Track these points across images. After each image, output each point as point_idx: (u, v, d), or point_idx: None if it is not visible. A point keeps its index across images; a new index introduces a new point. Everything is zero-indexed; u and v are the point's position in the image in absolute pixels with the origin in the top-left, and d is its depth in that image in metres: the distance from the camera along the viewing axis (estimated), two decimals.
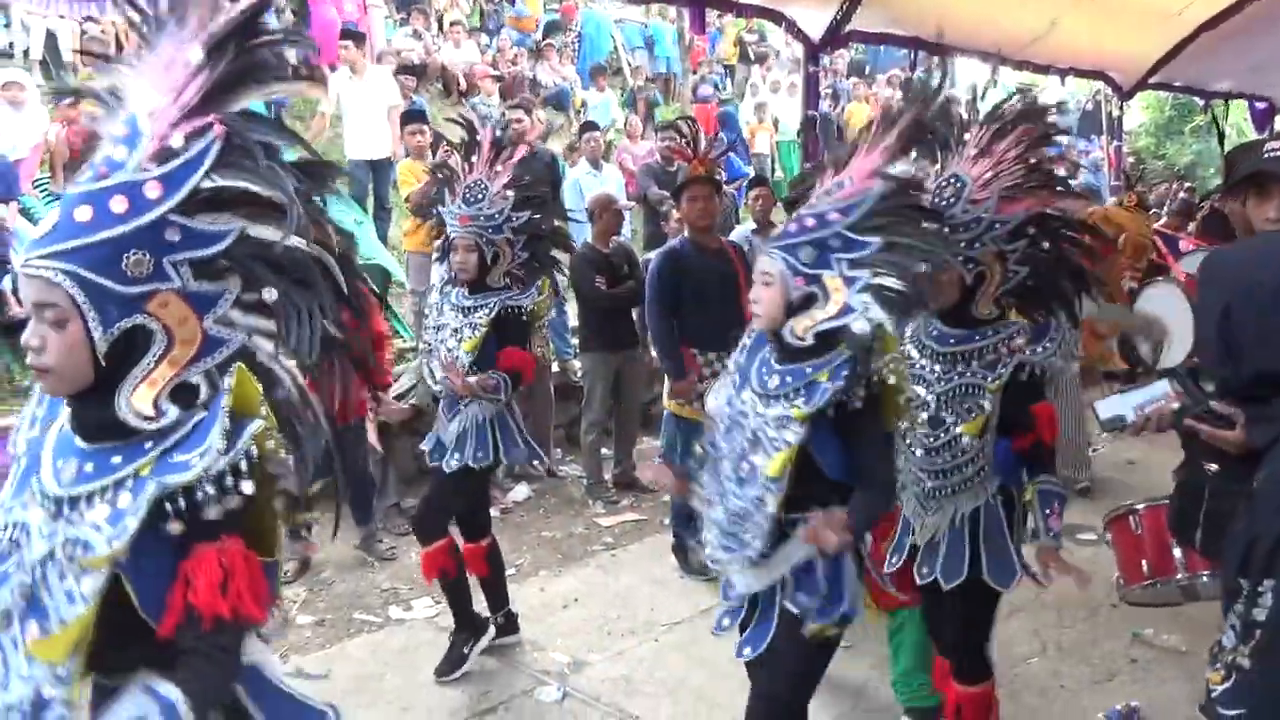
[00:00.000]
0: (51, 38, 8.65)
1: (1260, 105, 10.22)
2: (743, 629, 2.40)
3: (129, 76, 1.37)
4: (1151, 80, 8.98)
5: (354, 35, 8.29)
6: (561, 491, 6.12)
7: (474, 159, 3.57)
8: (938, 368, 2.63)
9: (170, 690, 1.34)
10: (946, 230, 2.34)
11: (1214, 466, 2.20)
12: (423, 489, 5.71)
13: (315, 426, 1.41)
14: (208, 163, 1.34)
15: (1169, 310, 6.14)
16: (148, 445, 1.35)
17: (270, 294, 1.38)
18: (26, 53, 8.60)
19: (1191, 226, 8.59)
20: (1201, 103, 11.36)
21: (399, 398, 5.62)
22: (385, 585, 4.69)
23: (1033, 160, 2.55)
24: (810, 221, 2.14)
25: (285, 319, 1.39)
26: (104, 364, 1.35)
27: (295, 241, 1.38)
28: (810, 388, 2.13)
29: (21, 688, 1.35)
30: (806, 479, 2.17)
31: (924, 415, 2.62)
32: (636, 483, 6.10)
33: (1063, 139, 2.78)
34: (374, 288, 5.70)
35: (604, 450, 6.18)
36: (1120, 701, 3.43)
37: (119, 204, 1.32)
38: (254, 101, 1.39)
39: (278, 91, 1.43)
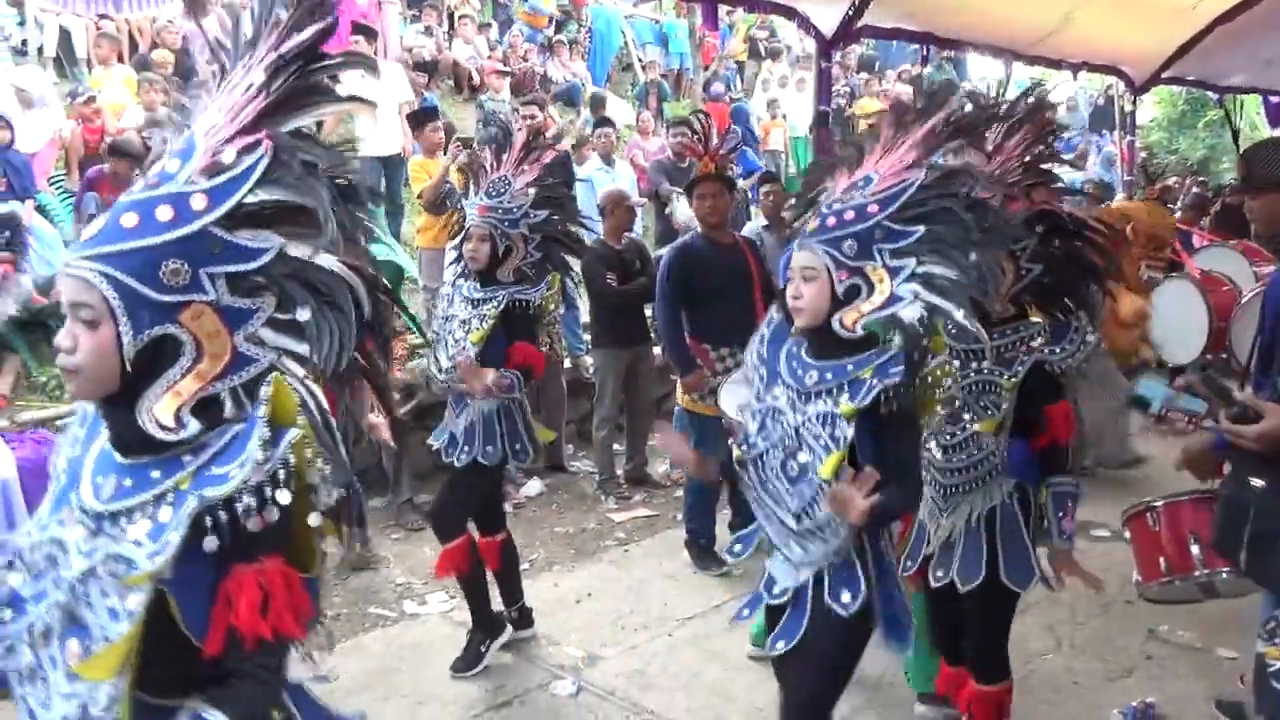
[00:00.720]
0: (65, 35, 8.68)
1: (1274, 100, 10.14)
2: (771, 624, 2.38)
3: (200, 100, 1.40)
4: (1164, 75, 8.92)
5: (365, 31, 8.29)
6: (574, 487, 6.13)
7: (504, 157, 3.60)
8: (955, 365, 2.62)
9: (216, 716, 1.35)
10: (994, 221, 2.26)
11: (1260, 482, 2.19)
12: (436, 484, 5.75)
13: (335, 453, 1.40)
14: (254, 178, 1.35)
15: (1183, 306, 6.15)
16: (186, 459, 1.35)
17: (304, 314, 1.38)
18: (41, 50, 8.63)
19: (1205, 221, 8.57)
20: (1215, 97, 11.31)
21: (406, 397, 5.64)
22: (400, 580, 4.71)
23: (1028, 158, 2.57)
24: (849, 214, 2.12)
25: (315, 340, 1.39)
26: (131, 370, 1.35)
27: (331, 263, 1.39)
28: (854, 385, 2.11)
29: (64, 706, 1.35)
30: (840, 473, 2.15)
31: (942, 412, 2.61)
32: (648, 478, 6.12)
33: (1066, 134, 2.77)
34: (398, 301, 5.72)
35: (616, 446, 6.19)
36: (1136, 698, 3.42)
37: (164, 213, 1.34)
38: (305, 121, 1.41)
39: (328, 113, 1.44)
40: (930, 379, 2.13)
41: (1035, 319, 2.69)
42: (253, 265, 1.36)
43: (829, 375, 2.16)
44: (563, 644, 4.01)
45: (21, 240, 5.50)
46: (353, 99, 1.46)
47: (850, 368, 2.13)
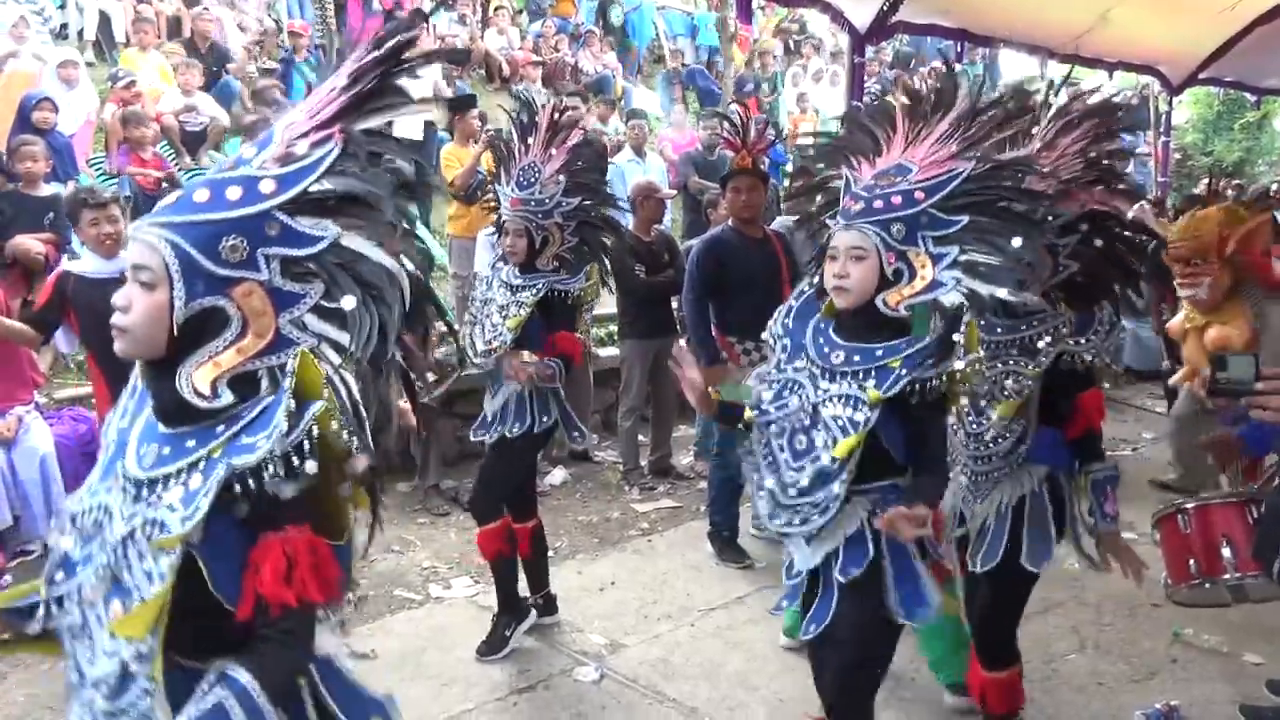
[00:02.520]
0: (105, 19, 8.79)
1: None
2: (805, 609, 2.39)
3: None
4: (1202, 76, 8.83)
5: (418, 15, 8.35)
6: (598, 477, 6.17)
7: (530, 140, 3.61)
8: (982, 354, 2.65)
9: (242, 674, 1.40)
10: (1038, 212, 2.28)
11: None
12: (463, 470, 5.81)
13: (364, 444, 1.44)
14: (323, 168, 1.42)
15: None
16: (219, 429, 1.39)
17: (349, 303, 1.42)
18: (81, 33, 8.75)
19: None
20: (1252, 99, 11.16)
21: (437, 382, 5.69)
22: (425, 564, 4.76)
23: (1092, 154, 2.55)
24: (897, 199, 2.14)
25: (356, 331, 1.43)
26: (178, 336, 1.40)
27: (381, 257, 1.43)
28: (882, 372, 2.13)
29: (107, 664, 1.41)
30: (863, 458, 2.17)
31: (967, 402, 2.64)
32: (673, 470, 6.14)
33: (1128, 136, 2.76)
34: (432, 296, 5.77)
35: (641, 437, 6.21)
36: (1160, 700, 3.40)
37: (234, 192, 1.40)
38: (379, 121, 1.46)
39: (401, 113, 1.49)
40: (960, 375, 2.14)
41: (1061, 311, 2.70)
42: (308, 251, 1.41)
43: (857, 358, 2.18)
44: (586, 631, 4.04)
45: (64, 222, 5.58)
46: (423, 100, 1.53)
47: (880, 354, 2.15)
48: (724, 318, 4.71)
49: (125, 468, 1.44)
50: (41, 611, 1.52)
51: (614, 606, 4.30)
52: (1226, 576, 3.01)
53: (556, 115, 3.66)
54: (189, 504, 1.35)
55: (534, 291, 3.60)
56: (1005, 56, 13.22)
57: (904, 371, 2.10)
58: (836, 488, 2.15)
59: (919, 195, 2.13)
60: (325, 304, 1.42)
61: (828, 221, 2.33)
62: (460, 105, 7.22)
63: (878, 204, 2.15)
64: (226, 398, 1.39)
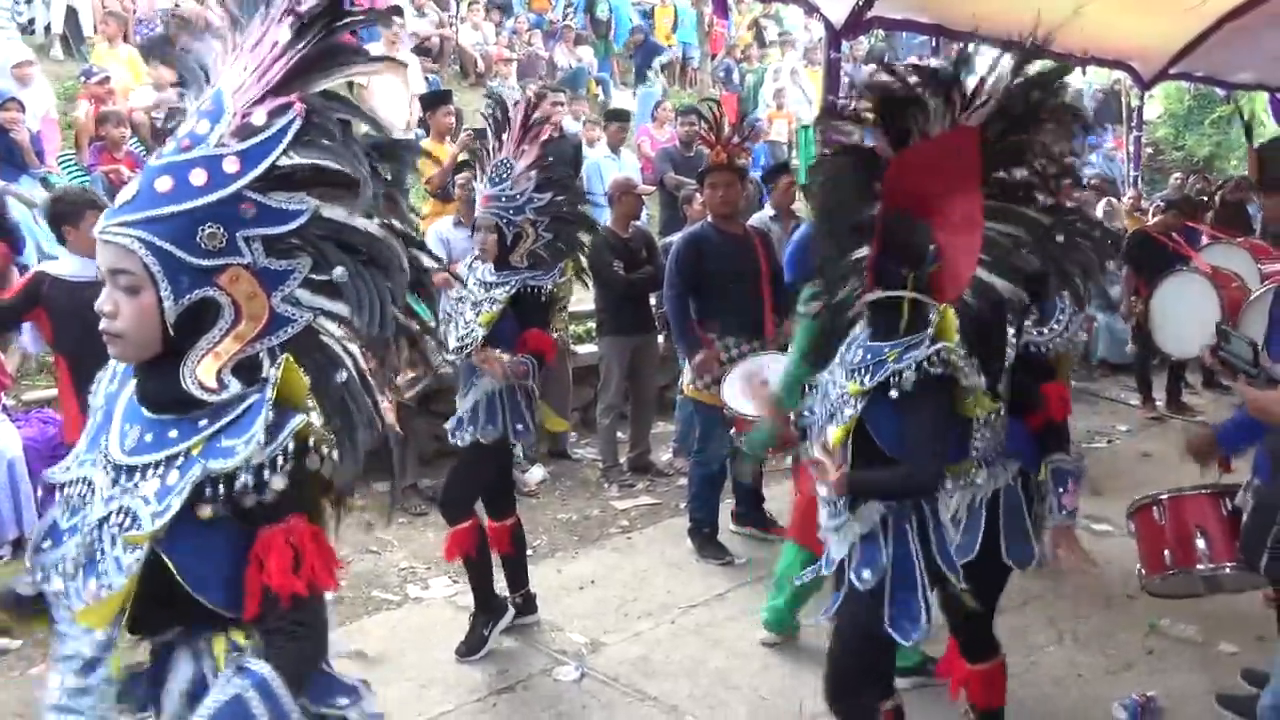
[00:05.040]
0: (72, 13, 8.66)
1: None
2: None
3: (218, 53, 1.39)
4: (1173, 71, 8.92)
5: (396, 11, 8.32)
6: (577, 474, 6.15)
7: (504, 137, 3.59)
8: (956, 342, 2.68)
9: (261, 665, 1.38)
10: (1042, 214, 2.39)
11: None
12: (440, 469, 5.77)
13: (371, 413, 1.43)
14: (286, 140, 1.35)
15: (1190, 300, 6.14)
16: (202, 423, 1.37)
17: (339, 274, 1.38)
18: (48, 29, 8.61)
19: (1208, 216, 8.55)
20: (1222, 94, 11.29)
21: (414, 379, 5.65)
22: (403, 564, 4.72)
23: (1054, 153, 2.58)
24: None
25: (354, 300, 1.40)
26: (173, 334, 1.37)
27: (366, 224, 1.40)
28: (878, 366, 2.22)
29: (78, 642, 1.41)
30: (867, 455, 2.25)
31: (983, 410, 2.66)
32: (652, 466, 6.13)
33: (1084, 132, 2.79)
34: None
35: (619, 434, 6.20)
36: (1137, 691, 3.43)
37: (198, 177, 1.33)
38: (335, 82, 1.40)
39: (359, 73, 1.44)
40: (929, 363, 2.16)
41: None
42: (288, 227, 1.37)
43: (868, 355, 2.28)
44: (566, 630, 4.02)
45: (12, 221, 5.44)
46: (385, 59, 1.45)
47: (886, 350, 2.24)
48: (704, 314, 4.70)
49: (108, 447, 1.42)
50: (36, 576, 1.48)
51: (594, 605, 4.28)
52: (1200, 567, 3.04)
53: (531, 111, 3.64)
54: (162, 499, 1.34)
55: (507, 288, 3.58)
56: (980, 52, 13.27)
57: (890, 365, 2.19)
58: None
59: None
60: (315, 277, 1.39)
61: None
62: (434, 101, 7.17)
63: None
64: (235, 386, 1.37)
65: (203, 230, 1.34)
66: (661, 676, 3.66)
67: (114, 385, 1.50)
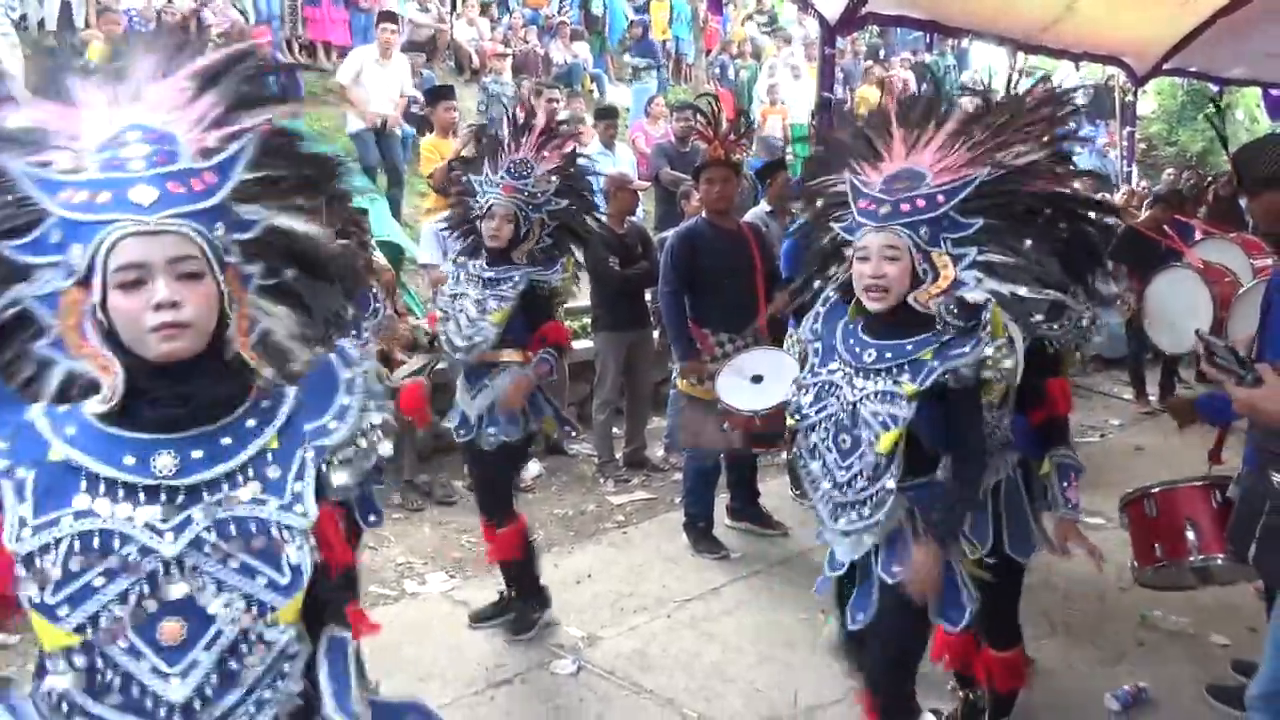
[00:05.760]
0: (66, 8, 8.64)
1: (1274, 92, 10.17)
2: (841, 599, 2.45)
3: (142, 71, 1.43)
4: (1166, 66, 8.95)
5: (394, 18, 8.34)
6: (573, 470, 6.17)
7: (523, 140, 3.62)
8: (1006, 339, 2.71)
9: (343, 632, 1.51)
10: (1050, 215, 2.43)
11: None
12: (437, 465, 5.79)
13: None
14: (246, 157, 1.42)
15: (1183, 295, 6.18)
16: (250, 424, 1.42)
17: (289, 277, 1.45)
18: (41, 23, 8.60)
19: (1201, 211, 8.59)
20: (1215, 89, 11.34)
21: (414, 375, 5.66)
22: (400, 560, 4.74)
23: (1047, 145, 2.61)
24: (921, 203, 2.21)
25: (301, 304, 1.46)
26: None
27: (313, 233, 1.47)
28: (914, 366, 2.21)
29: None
30: (909, 452, 2.25)
31: (996, 395, 2.69)
32: (647, 462, 6.15)
33: (1077, 121, 2.83)
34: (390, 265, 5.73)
35: (615, 429, 6.22)
36: (1128, 682, 3.47)
37: (198, 184, 1.38)
38: (262, 118, 1.47)
39: (276, 113, 1.50)
40: (990, 361, 2.19)
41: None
42: (249, 235, 1.42)
43: (888, 354, 2.25)
44: (562, 624, 4.04)
45: None
46: (297, 101, 1.59)
47: (910, 348, 2.23)
48: (699, 309, 4.72)
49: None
50: None
51: (590, 599, 4.30)
52: (1191, 559, 3.07)
53: (553, 118, 3.73)
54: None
55: (513, 284, 3.60)
56: (975, 48, 13.32)
57: (936, 364, 2.18)
58: (889, 482, 2.22)
59: (940, 199, 2.21)
60: (267, 283, 1.45)
61: (833, 224, 2.37)
62: (437, 96, 7.17)
63: (904, 206, 2.22)
64: (267, 370, 1.44)
65: (217, 228, 1.39)
66: (658, 670, 3.69)
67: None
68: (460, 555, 4.75)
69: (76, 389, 1.36)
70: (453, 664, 3.72)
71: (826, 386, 2.35)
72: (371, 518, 1.57)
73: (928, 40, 8.22)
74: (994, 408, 2.67)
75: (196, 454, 1.37)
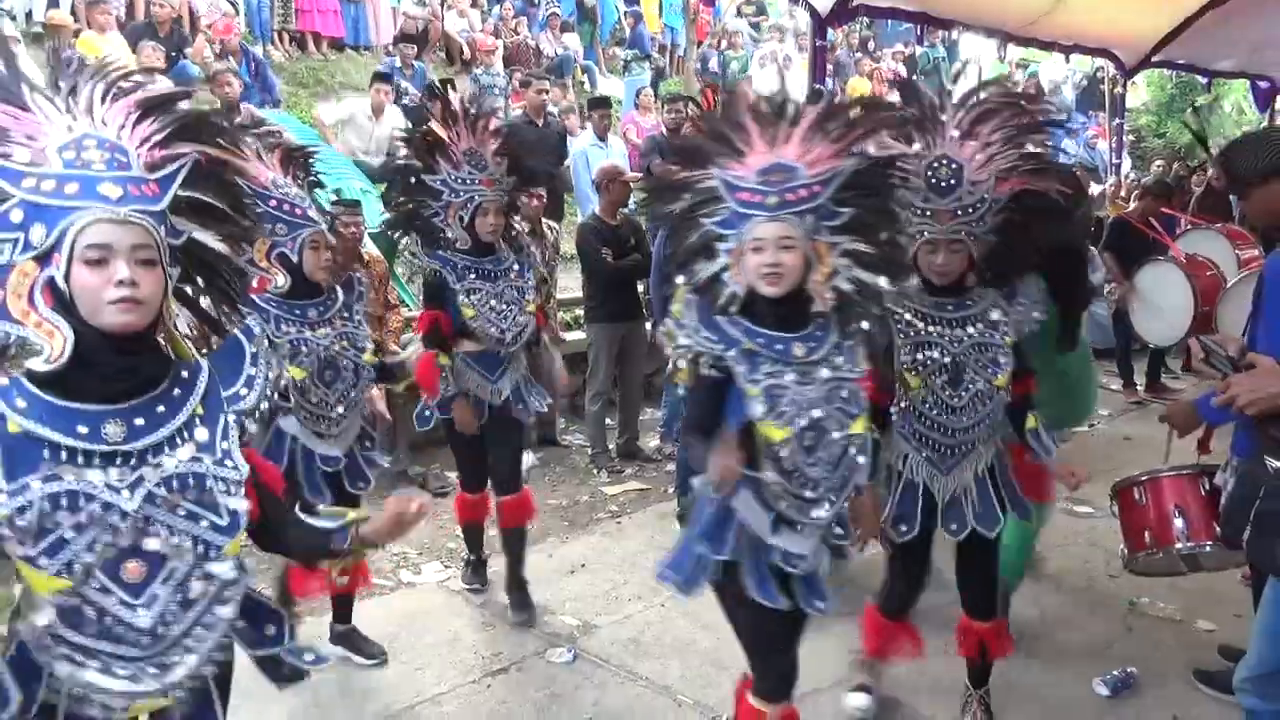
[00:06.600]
0: (53, 1, 8.58)
1: (1262, 84, 10.22)
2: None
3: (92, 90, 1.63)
4: (1155, 58, 8.98)
5: (387, 78, 8.33)
6: (566, 460, 6.19)
7: (456, 128, 3.62)
8: (947, 332, 2.76)
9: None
10: (931, 208, 2.64)
11: (1277, 464, 2.27)
12: (429, 455, 5.80)
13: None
14: (182, 176, 1.66)
15: (1166, 289, 6.23)
16: (176, 393, 1.65)
17: (198, 282, 1.75)
18: (29, 15, 8.54)
19: (1190, 204, 8.64)
20: (1204, 81, 11.39)
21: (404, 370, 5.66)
22: (395, 550, 4.75)
23: (1027, 145, 2.68)
24: (804, 192, 2.24)
25: (208, 304, 1.77)
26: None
27: (218, 247, 1.74)
28: (839, 348, 2.30)
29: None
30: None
31: (942, 378, 2.75)
32: (640, 452, 6.18)
33: (1061, 118, 2.91)
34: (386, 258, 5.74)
35: (608, 420, 6.24)
36: (1117, 667, 3.52)
37: (150, 190, 1.61)
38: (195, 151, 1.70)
39: (210, 152, 1.73)
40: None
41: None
42: (177, 242, 1.67)
43: (813, 344, 2.29)
44: (558, 613, 4.07)
45: None
46: (229, 149, 1.78)
47: (819, 334, 2.30)
48: None
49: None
50: None
51: (585, 588, 4.33)
52: (1179, 546, 3.11)
53: (466, 99, 3.77)
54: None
55: (523, 273, 3.80)
56: (965, 39, 13.35)
57: (851, 343, 2.33)
58: (864, 459, 2.36)
59: (817, 189, 2.25)
60: (181, 285, 1.74)
61: (702, 219, 2.34)
62: (378, 80, 7.19)
63: (790, 196, 2.24)
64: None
65: (163, 228, 1.62)
66: (652, 657, 3.72)
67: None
68: (454, 546, 4.77)
69: (5, 357, 1.56)
70: (449, 653, 3.74)
71: (776, 390, 2.25)
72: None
73: (918, 32, 8.22)
74: (1000, 390, 2.77)
75: (139, 421, 1.59)
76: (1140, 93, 14.68)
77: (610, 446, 6.15)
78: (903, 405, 2.81)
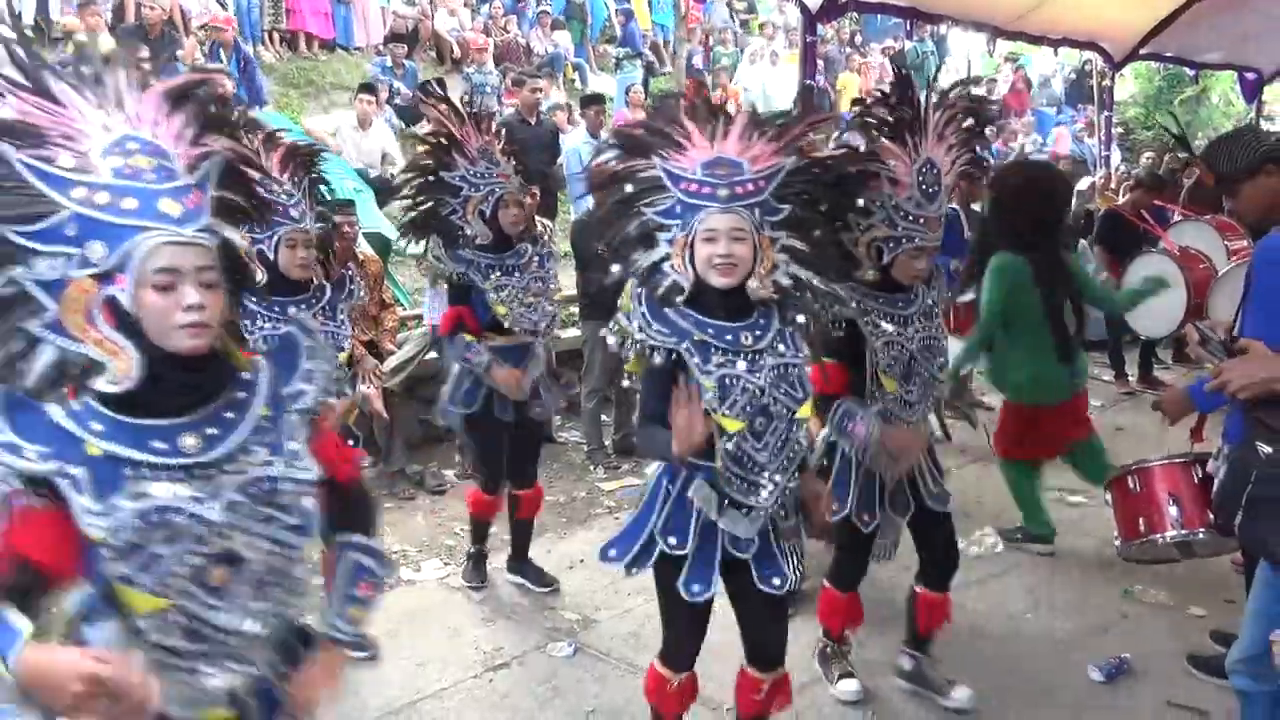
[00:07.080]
0: (43, 2, 8.57)
1: (1249, 76, 10.27)
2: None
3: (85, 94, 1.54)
4: (1143, 51, 9.02)
5: (373, 89, 8.35)
6: (563, 457, 6.21)
7: (465, 126, 3.67)
8: (904, 330, 2.87)
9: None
10: (924, 214, 2.73)
11: (1268, 449, 2.31)
12: (427, 454, 5.83)
13: None
14: (215, 178, 1.63)
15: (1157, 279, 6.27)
16: (240, 395, 1.63)
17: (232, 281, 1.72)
18: (19, 16, 8.51)
19: (1181, 196, 8.69)
20: (1191, 73, 11.44)
21: (400, 366, 5.69)
22: (395, 548, 4.77)
23: (974, 148, 2.79)
24: (750, 187, 2.29)
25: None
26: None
27: (239, 243, 1.73)
28: (782, 335, 2.36)
29: None
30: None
31: (900, 374, 2.87)
32: (636, 448, 6.19)
33: (991, 127, 3.07)
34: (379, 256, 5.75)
35: (604, 417, 6.26)
36: (1111, 653, 3.56)
37: (198, 200, 1.57)
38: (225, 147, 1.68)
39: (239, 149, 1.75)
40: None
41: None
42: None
43: (759, 332, 2.34)
44: (558, 608, 4.10)
45: None
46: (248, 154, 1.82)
47: (763, 321, 2.35)
48: None
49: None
50: None
51: (584, 583, 4.35)
52: (1173, 533, 3.15)
53: (470, 105, 3.84)
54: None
55: (544, 261, 3.87)
56: (954, 34, 13.39)
57: (794, 330, 2.40)
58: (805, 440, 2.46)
59: (761, 184, 2.30)
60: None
61: (643, 209, 2.35)
62: (363, 90, 7.23)
63: (739, 190, 2.28)
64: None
65: (216, 243, 1.59)
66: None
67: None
68: (454, 543, 4.79)
69: (67, 375, 1.49)
70: (450, 649, 3.77)
71: (729, 379, 2.28)
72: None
73: (907, 27, 8.24)
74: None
75: (211, 431, 1.58)
76: (1129, 85, 14.74)
77: (606, 443, 6.17)
78: (870, 404, 2.88)
